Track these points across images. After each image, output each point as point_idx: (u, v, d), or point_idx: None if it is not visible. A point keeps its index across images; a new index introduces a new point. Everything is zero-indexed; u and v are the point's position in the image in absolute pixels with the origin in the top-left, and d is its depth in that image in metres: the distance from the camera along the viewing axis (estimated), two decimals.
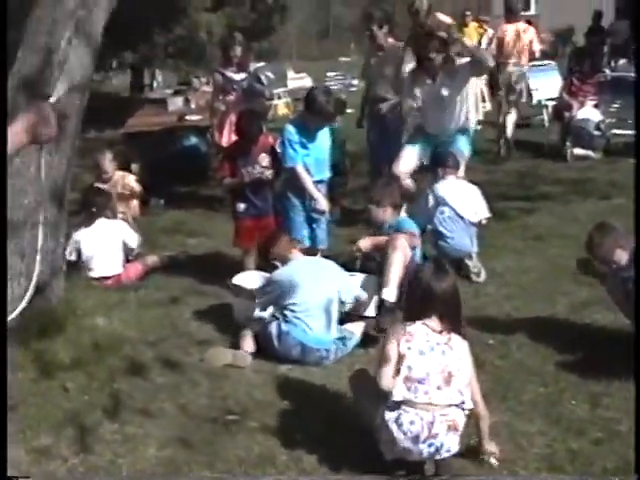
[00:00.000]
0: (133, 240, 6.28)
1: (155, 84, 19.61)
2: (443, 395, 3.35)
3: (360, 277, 5.21)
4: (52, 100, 3.92)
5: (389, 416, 3.35)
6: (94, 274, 5.93)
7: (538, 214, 7.62)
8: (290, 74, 18.05)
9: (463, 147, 6.47)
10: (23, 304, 3.10)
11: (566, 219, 7.40)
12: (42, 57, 4.46)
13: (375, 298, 5.02)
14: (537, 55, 10.86)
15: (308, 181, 5.77)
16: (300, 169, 5.76)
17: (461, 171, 6.37)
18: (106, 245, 6.06)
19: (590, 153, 10.02)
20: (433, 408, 3.33)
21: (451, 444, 3.35)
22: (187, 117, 9.14)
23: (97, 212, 6.23)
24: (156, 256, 6.41)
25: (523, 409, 4.03)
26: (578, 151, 10.01)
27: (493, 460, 3.54)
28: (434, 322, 3.48)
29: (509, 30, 10.42)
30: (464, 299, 5.38)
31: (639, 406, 3.46)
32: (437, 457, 3.37)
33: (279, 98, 15.57)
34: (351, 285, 4.98)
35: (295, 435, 3.81)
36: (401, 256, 5.05)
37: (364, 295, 4.96)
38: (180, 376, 4.44)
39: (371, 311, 5.04)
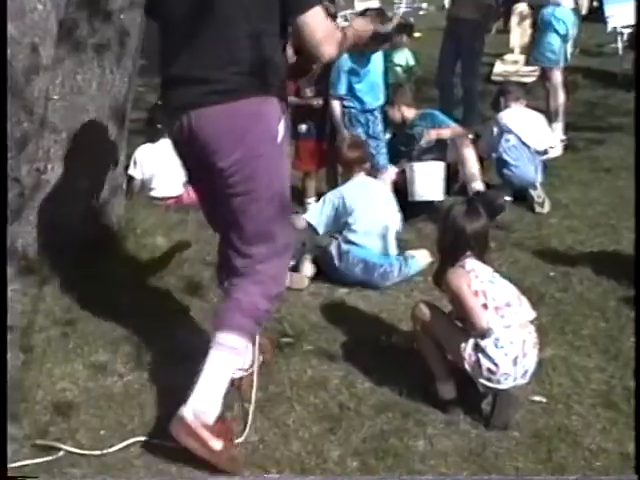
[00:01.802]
0: None
1: None
2: (525, 312, 3.39)
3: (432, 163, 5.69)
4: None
5: (485, 343, 3.29)
6: (155, 193, 5.95)
7: (607, 146, 7.43)
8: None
9: None
10: None
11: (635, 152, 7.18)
12: None
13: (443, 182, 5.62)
14: None
15: (337, 115, 5.74)
16: (335, 102, 5.73)
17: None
18: (168, 165, 6.04)
19: None
20: (525, 326, 3.35)
21: (532, 364, 3.35)
22: None
23: (162, 130, 6.20)
24: None
25: (582, 343, 3.96)
26: None
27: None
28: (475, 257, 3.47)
29: None
30: (527, 229, 5.40)
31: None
32: (521, 382, 3.34)
33: (346, 20, 15.25)
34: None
35: (349, 360, 3.81)
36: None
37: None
38: None
39: (439, 195, 5.52)
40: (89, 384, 3.65)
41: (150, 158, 6.02)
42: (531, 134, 5.90)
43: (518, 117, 5.97)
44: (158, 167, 6.01)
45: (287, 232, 3.20)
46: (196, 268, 4.72)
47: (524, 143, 5.86)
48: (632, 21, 11.06)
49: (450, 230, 3.51)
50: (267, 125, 2.97)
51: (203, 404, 3.03)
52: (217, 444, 3.00)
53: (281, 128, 3.00)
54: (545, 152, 6.01)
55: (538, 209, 5.76)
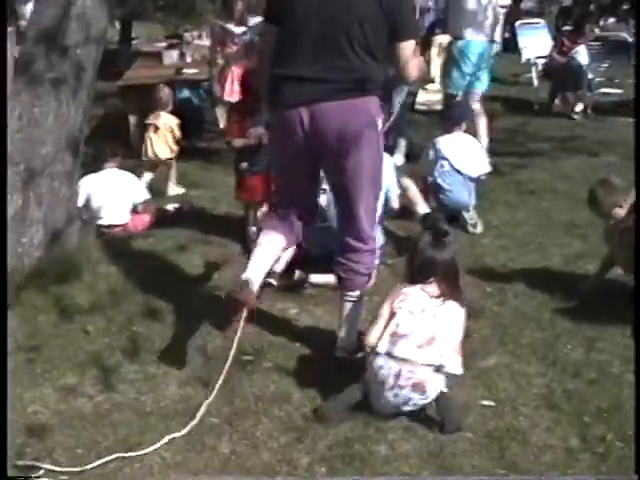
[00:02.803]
0: (140, 196, 6.42)
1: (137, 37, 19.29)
2: (422, 354, 3.54)
3: None
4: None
5: (370, 359, 3.63)
6: (102, 222, 6.06)
7: (529, 170, 7.81)
8: None
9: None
10: None
11: (556, 175, 7.61)
12: (60, 9, 4.57)
13: None
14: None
15: None
16: None
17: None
18: (114, 194, 6.19)
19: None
20: (406, 363, 3.53)
21: (419, 402, 3.57)
22: (184, 70, 9.22)
23: (106, 159, 6.36)
24: (161, 206, 6.56)
25: (521, 352, 4.24)
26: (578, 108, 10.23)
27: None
28: (432, 287, 3.68)
29: None
30: (462, 249, 5.68)
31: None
32: (405, 409, 3.59)
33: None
34: None
35: (308, 375, 4.01)
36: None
37: None
38: (194, 320, 4.63)
39: None
40: (60, 406, 3.76)
41: (95, 187, 6.13)
42: (465, 161, 6.21)
43: (454, 143, 6.26)
44: (104, 196, 6.13)
45: (377, 207, 4.16)
46: (151, 294, 4.86)
47: (457, 169, 6.18)
48: (545, 52, 11.69)
49: (418, 259, 3.74)
50: (371, 116, 3.79)
51: (352, 339, 4.13)
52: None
53: (380, 120, 3.85)
54: (479, 178, 6.33)
55: (471, 230, 6.07)
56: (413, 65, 3.85)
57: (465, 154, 6.23)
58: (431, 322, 3.60)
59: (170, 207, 6.60)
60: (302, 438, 3.52)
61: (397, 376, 3.53)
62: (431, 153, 6.23)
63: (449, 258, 3.75)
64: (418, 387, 3.53)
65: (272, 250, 4.00)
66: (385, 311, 3.68)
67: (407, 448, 3.45)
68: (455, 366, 3.59)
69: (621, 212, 4.68)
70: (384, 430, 3.56)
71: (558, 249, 5.68)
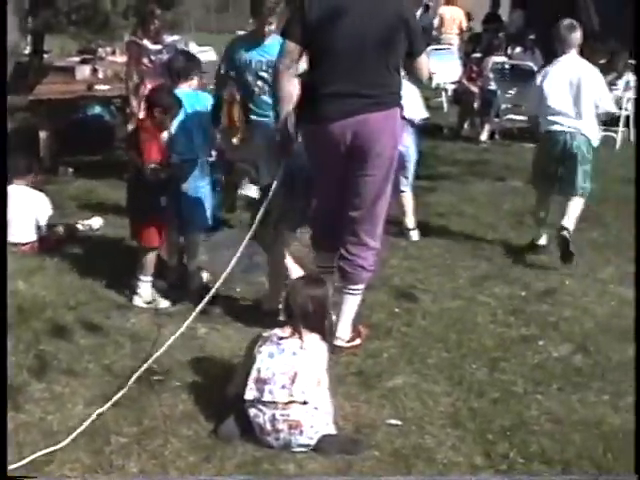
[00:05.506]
0: (44, 216, 6.27)
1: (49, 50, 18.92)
2: (285, 393, 3.55)
3: None
4: None
5: (245, 406, 3.63)
6: (11, 239, 5.90)
7: (438, 193, 7.99)
8: (193, 47, 17.86)
9: None
10: None
11: (464, 198, 7.80)
12: None
13: None
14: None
15: None
16: None
17: None
18: (22, 211, 6.07)
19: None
20: (275, 405, 3.55)
21: (301, 441, 3.56)
22: (96, 87, 9.13)
23: (16, 176, 6.23)
24: (68, 225, 6.46)
25: (428, 372, 4.33)
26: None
27: None
28: (289, 329, 3.70)
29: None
30: None
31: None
32: (293, 450, 3.57)
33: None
34: None
35: (216, 394, 3.99)
36: None
37: None
38: (102, 338, 4.58)
39: None
40: None
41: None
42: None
43: None
44: (13, 213, 5.99)
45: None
46: (59, 312, 4.79)
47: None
48: (454, 78, 11.96)
49: (287, 298, 3.87)
50: (399, 126, 4.39)
51: (347, 329, 4.52)
52: (358, 340, 4.59)
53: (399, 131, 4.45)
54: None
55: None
56: (426, 70, 4.54)
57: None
58: (291, 360, 3.60)
59: (78, 225, 6.50)
60: (210, 457, 3.51)
61: (272, 420, 3.55)
62: None
63: (314, 296, 3.78)
64: (295, 428, 3.54)
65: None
66: (247, 358, 3.71)
67: (315, 467, 3.48)
68: (317, 400, 3.57)
69: None
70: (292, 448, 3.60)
71: (465, 271, 5.82)
